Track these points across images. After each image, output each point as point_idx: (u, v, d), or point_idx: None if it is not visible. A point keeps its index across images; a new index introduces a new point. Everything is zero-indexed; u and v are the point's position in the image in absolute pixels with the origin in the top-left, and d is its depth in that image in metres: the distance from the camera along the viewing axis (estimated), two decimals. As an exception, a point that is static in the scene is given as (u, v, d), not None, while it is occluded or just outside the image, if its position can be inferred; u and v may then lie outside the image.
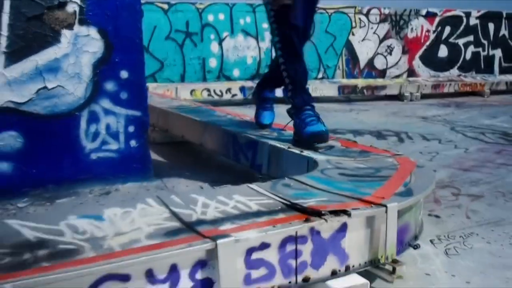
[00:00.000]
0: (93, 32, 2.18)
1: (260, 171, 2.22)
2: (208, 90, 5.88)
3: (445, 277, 1.54)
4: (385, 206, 1.24)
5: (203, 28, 6.38)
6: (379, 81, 7.39)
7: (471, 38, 8.68)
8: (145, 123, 2.36)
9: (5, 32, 2.03)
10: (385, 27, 7.76)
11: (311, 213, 1.17)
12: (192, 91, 5.77)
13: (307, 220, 1.14)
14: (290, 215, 1.18)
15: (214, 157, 3.05)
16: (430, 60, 8.31)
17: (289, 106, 2.34)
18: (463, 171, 2.87)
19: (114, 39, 2.23)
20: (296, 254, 1.14)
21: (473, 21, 8.65)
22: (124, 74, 2.27)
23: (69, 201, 2.15)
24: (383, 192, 1.37)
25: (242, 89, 6.05)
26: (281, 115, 2.67)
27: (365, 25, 7.55)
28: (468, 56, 8.71)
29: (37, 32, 2.09)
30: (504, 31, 9.06)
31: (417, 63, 8.19)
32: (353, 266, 1.26)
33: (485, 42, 8.87)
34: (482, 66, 8.90)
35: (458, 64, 8.63)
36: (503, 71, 9.12)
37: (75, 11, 2.13)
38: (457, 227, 1.97)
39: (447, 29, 8.40)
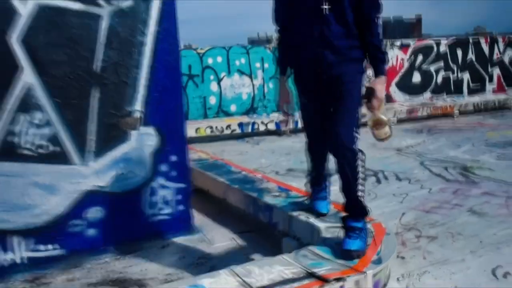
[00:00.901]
0: (151, 130, 3.01)
1: (276, 228, 3.06)
2: (211, 127, 6.75)
3: (404, 308, 2.39)
4: (365, 272, 2.09)
5: (204, 70, 7.22)
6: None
7: (441, 64, 9.64)
8: (189, 192, 3.19)
9: (93, 136, 2.85)
10: (364, 59, 8.65)
11: (323, 279, 2.01)
12: (197, 129, 6.60)
13: (321, 286, 1.98)
14: (312, 281, 2.01)
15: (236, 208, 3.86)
16: (405, 85, 9.25)
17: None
18: (425, 213, 3.73)
19: (166, 134, 3.05)
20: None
21: (443, 48, 9.62)
22: (173, 158, 3.10)
23: (139, 254, 2.97)
24: (364, 260, 2.21)
25: (240, 125, 6.94)
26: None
27: (346, 58, 8.43)
28: (439, 80, 9.67)
29: (114, 134, 2.91)
30: (471, 55, 10.04)
31: (393, 89, 9.11)
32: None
33: (454, 66, 9.83)
34: (452, 88, 9.85)
35: (431, 88, 9.58)
36: (471, 91, 10.09)
37: (139, 117, 2.96)
38: (416, 267, 2.82)
39: (420, 57, 9.35)
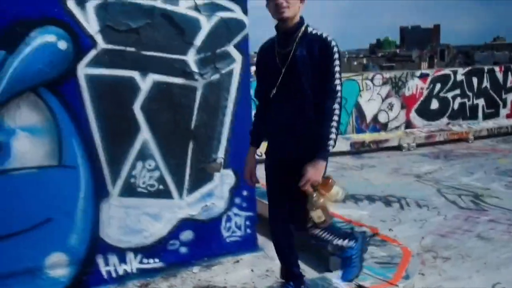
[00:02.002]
0: (230, 172, 3.93)
1: (324, 248, 3.94)
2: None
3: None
4: (398, 285, 2.96)
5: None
6: (382, 135, 9.16)
7: (458, 91, 10.45)
8: (255, 219, 4.08)
9: (188, 177, 3.77)
10: (386, 88, 9.54)
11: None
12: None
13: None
14: (363, 292, 2.90)
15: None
16: (424, 112, 10.08)
17: None
18: (441, 237, 4.57)
19: (240, 174, 3.95)
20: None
21: (459, 77, 10.43)
22: (244, 192, 4.01)
23: (219, 267, 3.88)
24: (397, 276, 3.09)
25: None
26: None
27: (370, 88, 9.32)
28: (456, 106, 10.48)
29: (203, 176, 3.83)
30: (486, 83, 10.83)
31: (413, 115, 9.95)
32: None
33: (470, 93, 10.64)
34: (468, 114, 10.66)
35: (448, 114, 10.39)
36: (486, 116, 10.88)
37: (222, 163, 3.88)
38: (433, 282, 3.67)
39: (438, 86, 10.18)
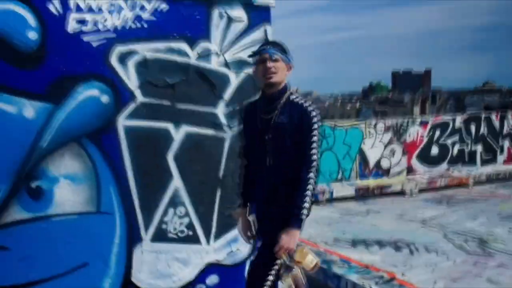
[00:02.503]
0: (254, 218, 4.11)
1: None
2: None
3: None
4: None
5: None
6: (386, 181, 9.40)
7: (456, 138, 10.77)
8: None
9: (215, 224, 3.95)
10: (388, 135, 9.84)
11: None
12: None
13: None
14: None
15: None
16: (424, 158, 10.36)
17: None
18: (452, 281, 4.74)
19: (263, 220, 4.14)
20: None
21: (458, 124, 10.77)
22: (267, 238, 4.18)
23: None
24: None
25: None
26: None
27: (373, 135, 9.63)
28: (455, 152, 10.77)
29: (228, 222, 4.01)
30: (483, 130, 11.18)
31: (414, 161, 10.23)
32: None
33: (468, 140, 10.96)
34: (467, 159, 10.94)
35: (447, 160, 10.67)
36: (484, 162, 11.17)
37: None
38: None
39: (438, 132, 10.50)
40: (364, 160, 9.58)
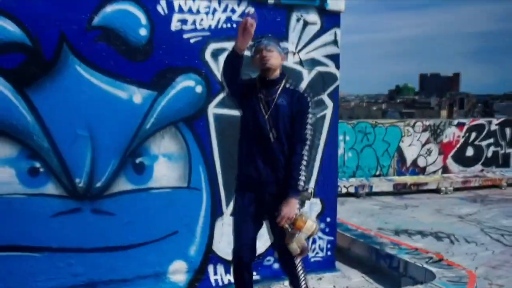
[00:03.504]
0: (318, 201, 4.61)
1: (396, 271, 4.56)
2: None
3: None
4: (471, 299, 3.58)
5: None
6: (422, 178, 9.78)
7: (491, 140, 11.07)
8: (335, 243, 4.74)
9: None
10: (426, 135, 10.22)
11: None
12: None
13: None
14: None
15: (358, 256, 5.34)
16: (460, 158, 10.69)
17: None
18: (492, 269, 5.15)
19: (325, 203, 4.64)
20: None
21: (493, 127, 11.07)
22: (328, 219, 4.68)
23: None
24: (468, 291, 3.71)
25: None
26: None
27: (411, 134, 10.02)
28: (489, 154, 11.07)
29: (295, 202, 4.51)
30: (517, 134, 11.44)
31: (449, 161, 10.57)
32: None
33: (503, 143, 11.24)
34: (500, 162, 11.23)
35: (482, 161, 10.98)
36: (517, 165, 11.44)
37: (311, 192, 4.56)
38: (493, 304, 4.26)
39: (473, 134, 10.82)
40: (401, 157, 9.99)
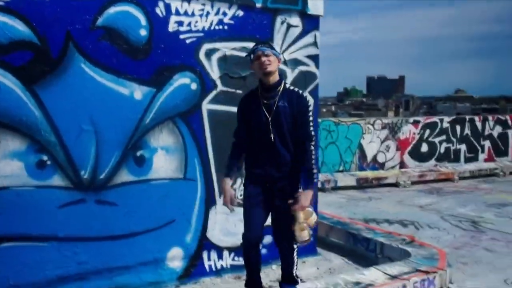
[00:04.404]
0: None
1: (373, 253, 4.98)
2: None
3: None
4: (445, 270, 4.02)
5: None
6: (382, 173, 10.37)
7: (444, 137, 11.82)
8: (316, 229, 5.10)
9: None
10: (385, 132, 10.82)
11: (426, 272, 3.92)
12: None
13: (425, 275, 3.89)
14: (420, 273, 3.92)
15: (336, 242, 5.74)
16: (415, 154, 11.37)
17: None
18: (456, 249, 5.67)
19: (307, 192, 4.99)
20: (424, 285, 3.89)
21: (445, 124, 11.82)
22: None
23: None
24: (441, 265, 4.16)
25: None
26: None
27: (371, 131, 10.59)
28: (442, 150, 11.82)
29: (281, 191, 4.84)
30: (467, 131, 12.25)
31: (406, 157, 11.22)
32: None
33: (454, 139, 12.02)
34: (452, 157, 12.00)
35: (435, 157, 11.70)
36: (467, 160, 12.24)
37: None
38: (460, 278, 4.71)
39: (427, 131, 11.53)
40: (362, 154, 10.54)
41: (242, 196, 3.61)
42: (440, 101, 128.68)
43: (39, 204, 3.74)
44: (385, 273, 3.98)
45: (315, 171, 3.35)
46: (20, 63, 3.59)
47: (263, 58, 3.29)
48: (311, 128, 3.35)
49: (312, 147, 3.33)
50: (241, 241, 3.65)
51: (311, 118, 3.36)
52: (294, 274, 3.62)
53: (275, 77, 3.38)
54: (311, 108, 3.39)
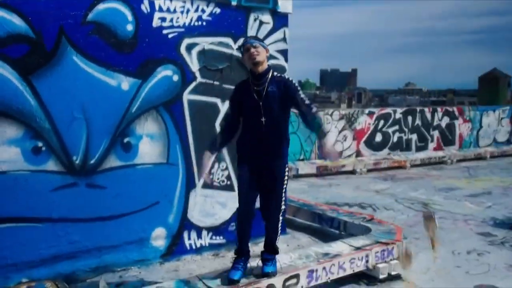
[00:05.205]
0: (271, 174, 5.40)
1: (337, 230, 5.49)
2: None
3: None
4: (402, 241, 4.56)
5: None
6: (340, 161, 10.96)
7: (396, 127, 12.55)
8: (286, 210, 5.55)
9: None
10: (342, 123, 11.42)
11: (386, 243, 4.44)
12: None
13: (385, 246, 4.41)
14: (380, 244, 4.44)
15: (302, 222, 6.22)
16: (370, 143, 12.04)
17: None
18: (410, 227, 6.26)
19: (277, 176, 5.44)
20: (385, 254, 4.41)
21: (398, 115, 12.55)
22: (280, 190, 5.48)
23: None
24: (398, 238, 4.69)
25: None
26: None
27: (330, 122, 11.16)
28: (395, 140, 12.55)
29: (254, 175, 5.27)
30: (418, 121, 13.04)
31: (362, 146, 11.87)
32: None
33: (406, 129, 12.78)
34: (404, 146, 12.76)
35: (388, 146, 12.42)
36: (418, 149, 13.04)
37: (267, 166, 5.34)
38: (414, 250, 5.30)
39: (381, 122, 12.22)
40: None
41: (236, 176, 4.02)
42: (391, 94, 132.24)
43: (34, 188, 4.00)
44: (350, 245, 4.48)
45: (325, 129, 3.81)
46: (17, 55, 3.84)
47: (252, 50, 3.58)
48: (308, 102, 3.65)
49: (318, 114, 3.69)
50: (217, 222, 4.16)
51: (303, 95, 3.66)
52: (276, 246, 4.01)
53: (263, 66, 3.66)
54: (299, 88, 3.70)
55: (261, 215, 3.93)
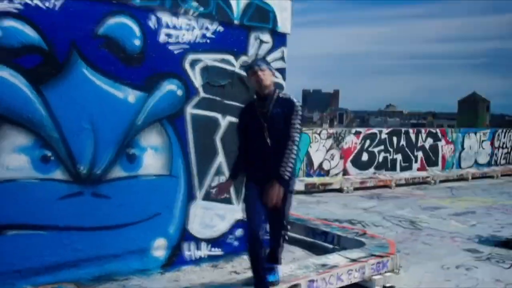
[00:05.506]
0: (268, 188, 5.54)
1: (331, 244, 5.64)
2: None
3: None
4: (396, 255, 4.72)
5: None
6: (327, 179, 11.17)
7: (382, 147, 12.83)
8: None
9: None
10: (330, 142, 11.65)
11: (380, 256, 4.60)
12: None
13: (380, 258, 4.58)
14: (375, 257, 4.60)
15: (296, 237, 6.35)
16: (357, 162, 12.29)
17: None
18: (399, 243, 6.44)
19: (274, 190, 5.59)
20: (380, 267, 4.57)
21: (383, 135, 12.85)
22: (276, 203, 5.63)
23: (260, 256, 5.41)
24: (392, 251, 4.86)
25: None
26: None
27: (318, 140, 11.39)
28: (380, 159, 12.82)
29: (251, 189, 5.41)
30: (402, 142, 13.35)
31: (349, 165, 12.11)
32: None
33: (391, 149, 13.07)
34: (389, 166, 13.03)
35: (374, 165, 12.68)
36: (402, 168, 13.32)
37: (264, 180, 5.50)
38: (404, 264, 5.47)
39: (368, 142, 12.49)
40: (310, 161, 11.31)
41: (243, 196, 4.19)
42: (372, 115, 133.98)
43: (42, 196, 4.08)
44: (346, 257, 4.63)
45: (288, 169, 3.57)
46: (30, 66, 3.95)
47: (260, 73, 3.65)
48: (296, 131, 3.62)
49: (293, 147, 3.56)
50: (215, 234, 4.32)
51: (298, 122, 3.65)
52: (279, 256, 4.13)
53: (269, 89, 3.74)
54: (299, 113, 3.68)
55: (269, 230, 4.10)
